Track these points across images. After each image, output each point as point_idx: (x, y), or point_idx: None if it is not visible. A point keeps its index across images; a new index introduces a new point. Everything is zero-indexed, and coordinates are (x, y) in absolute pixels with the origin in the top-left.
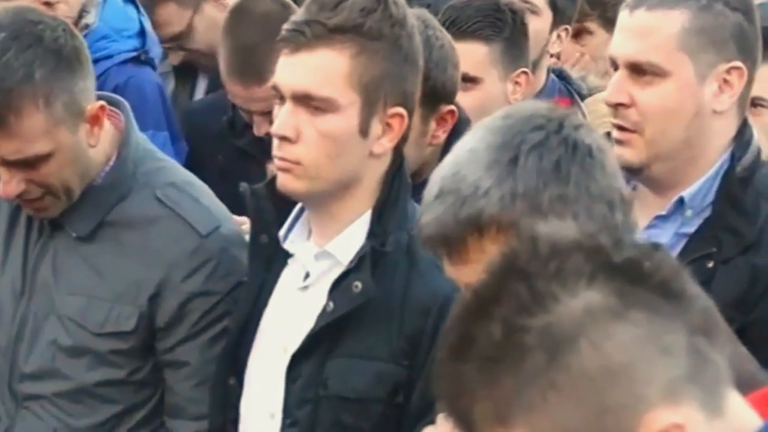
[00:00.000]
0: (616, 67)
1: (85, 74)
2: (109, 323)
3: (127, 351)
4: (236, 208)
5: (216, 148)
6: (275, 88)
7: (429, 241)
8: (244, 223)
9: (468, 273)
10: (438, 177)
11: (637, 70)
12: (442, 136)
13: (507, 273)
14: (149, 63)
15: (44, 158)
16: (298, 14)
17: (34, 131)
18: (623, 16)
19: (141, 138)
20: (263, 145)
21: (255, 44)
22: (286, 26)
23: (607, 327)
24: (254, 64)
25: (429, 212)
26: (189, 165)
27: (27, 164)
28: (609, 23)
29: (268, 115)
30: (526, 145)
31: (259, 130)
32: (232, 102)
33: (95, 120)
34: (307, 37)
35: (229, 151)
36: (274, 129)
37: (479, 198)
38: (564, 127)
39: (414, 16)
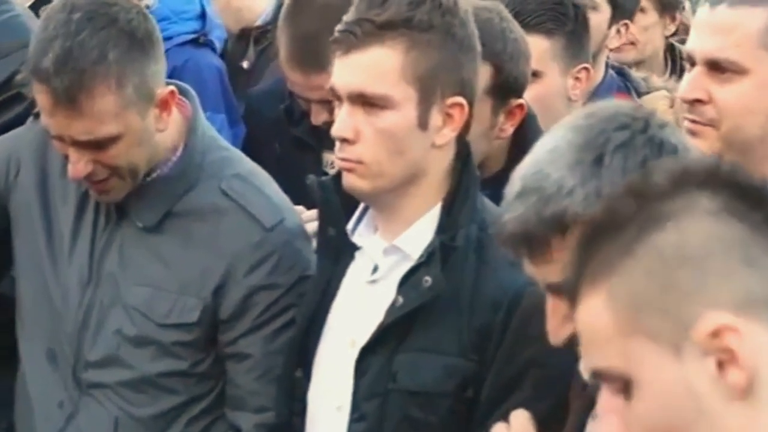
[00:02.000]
0: (692, 63)
1: (157, 58)
2: (173, 314)
3: (190, 342)
4: (292, 197)
5: (273, 136)
6: (332, 90)
7: (510, 240)
8: (301, 213)
9: (550, 272)
10: (519, 176)
11: (716, 67)
12: (510, 129)
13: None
14: (209, 45)
15: (113, 140)
16: (349, 14)
17: (105, 113)
18: (702, 12)
19: (206, 126)
20: (319, 134)
21: (314, 33)
22: (337, 28)
23: (699, 220)
24: (313, 53)
25: (511, 211)
26: (246, 152)
27: (96, 145)
28: (663, 7)
29: (325, 103)
30: (611, 144)
31: (316, 119)
32: (290, 90)
33: (164, 105)
34: (358, 36)
35: (286, 139)
36: (334, 131)
37: (563, 197)
38: (650, 126)
39: (486, 7)
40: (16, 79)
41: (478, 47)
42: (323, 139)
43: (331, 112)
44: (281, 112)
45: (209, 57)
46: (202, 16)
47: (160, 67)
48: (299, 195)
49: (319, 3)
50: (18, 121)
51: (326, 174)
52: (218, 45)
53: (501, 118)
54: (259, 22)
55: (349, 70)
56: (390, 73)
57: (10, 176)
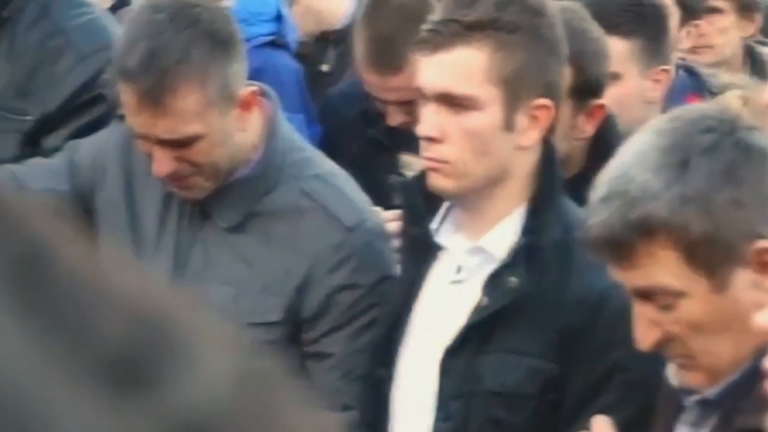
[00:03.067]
0: None
1: (239, 58)
2: (256, 313)
3: (272, 342)
4: (367, 197)
5: (349, 137)
6: (418, 89)
7: (595, 244)
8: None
9: (637, 277)
10: (604, 179)
11: None
12: (590, 130)
13: None
14: (285, 47)
15: (196, 139)
16: (435, 13)
17: (188, 112)
18: None
19: (287, 127)
20: (396, 135)
21: (391, 34)
22: (424, 27)
23: None
24: (390, 54)
25: (596, 215)
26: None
27: (179, 144)
28: (742, 9)
29: (402, 105)
30: (697, 147)
31: (392, 120)
32: (366, 91)
33: (246, 105)
34: (444, 36)
35: (362, 140)
36: (420, 130)
37: (648, 201)
38: (736, 129)
39: (565, 8)
40: (98, 80)
41: (566, 50)
42: (399, 140)
43: (407, 113)
44: (358, 113)
45: (286, 59)
46: (279, 17)
47: (241, 67)
48: (375, 196)
49: (396, 4)
50: (99, 122)
51: (402, 175)
52: (293, 47)
53: (581, 119)
54: (338, 26)
55: (435, 70)
56: (476, 73)
57: (97, 177)
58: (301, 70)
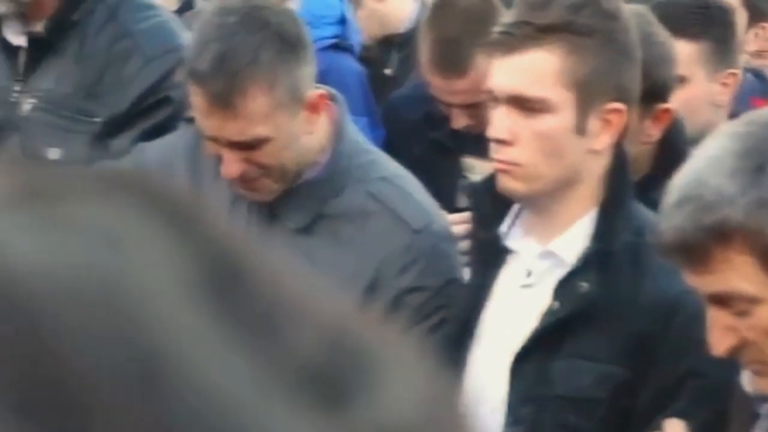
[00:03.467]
0: None
1: (307, 61)
2: None
3: None
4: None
5: (412, 140)
6: (489, 91)
7: (668, 249)
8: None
9: (711, 282)
10: (677, 184)
11: None
12: (656, 134)
13: None
14: (349, 50)
15: (264, 141)
16: (508, 15)
17: (257, 114)
18: None
19: (353, 129)
20: (459, 138)
21: (456, 37)
22: (496, 29)
23: None
24: (455, 57)
25: (669, 219)
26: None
27: (248, 146)
28: None
29: (466, 108)
30: None
31: (456, 123)
32: (430, 94)
33: (314, 108)
34: (518, 38)
35: (425, 142)
36: (491, 132)
37: (723, 205)
38: None
39: (633, 11)
40: (165, 82)
41: (639, 54)
42: (463, 143)
43: (471, 116)
44: (421, 116)
45: (350, 61)
46: (342, 20)
47: (309, 70)
48: (438, 199)
49: (462, 7)
50: (166, 124)
51: (466, 178)
52: (356, 50)
53: (648, 122)
54: (402, 30)
55: (508, 72)
56: (549, 76)
57: None
58: (365, 73)
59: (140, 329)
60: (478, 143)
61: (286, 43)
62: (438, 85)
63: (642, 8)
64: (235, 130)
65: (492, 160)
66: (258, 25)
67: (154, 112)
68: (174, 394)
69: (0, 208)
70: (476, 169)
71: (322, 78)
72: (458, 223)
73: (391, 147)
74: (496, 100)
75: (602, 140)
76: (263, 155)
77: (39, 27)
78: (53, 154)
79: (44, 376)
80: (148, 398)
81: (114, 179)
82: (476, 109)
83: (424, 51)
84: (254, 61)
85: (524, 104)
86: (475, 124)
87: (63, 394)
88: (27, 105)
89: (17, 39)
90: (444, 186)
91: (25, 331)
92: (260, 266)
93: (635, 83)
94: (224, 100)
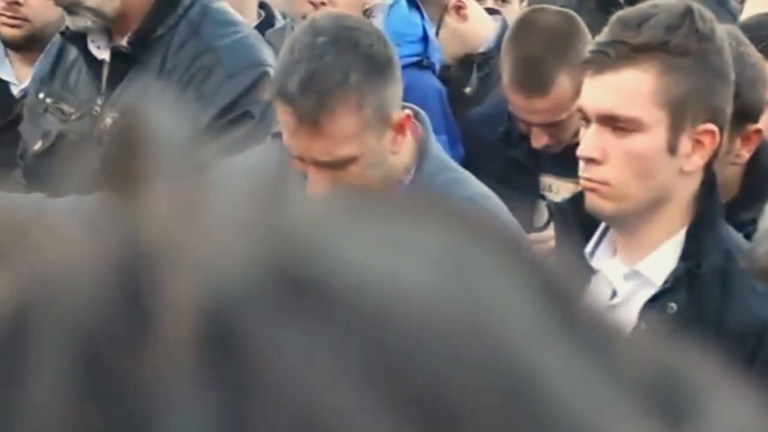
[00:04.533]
0: None
1: (395, 81)
2: None
3: None
4: None
5: (490, 158)
6: (580, 110)
7: (764, 274)
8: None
9: None
10: None
11: None
12: (746, 156)
13: None
14: (430, 68)
15: (351, 161)
16: (602, 35)
17: (345, 134)
18: None
19: (437, 148)
20: (538, 157)
21: (540, 56)
22: (589, 48)
23: None
24: (538, 76)
25: (764, 244)
26: None
27: (334, 166)
28: None
29: (546, 127)
30: None
31: (536, 142)
32: (509, 112)
33: (400, 128)
34: (612, 57)
35: (503, 161)
36: (581, 151)
37: None
38: None
39: (726, 31)
40: (246, 97)
41: (732, 75)
42: (541, 162)
43: (551, 135)
44: (499, 134)
45: (431, 79)
46: (424, 38)
47: (396, 90)
48: (515, 217)
49: (545, 27)
50: (246, 138)
51: (543, 197)
52: (437, 68)
53: (737, 143)
54: (482, 49)
55: (601, 91)
56: (642, 96)
57: None
58: (445, 91)
59: (511, 353)
60: (556, 162)
61: (375, 63)
62: (519, 103)
63: (733, 28)
64: (322, 150)
65: (580, 178)
66: (348, 45)
67: (234, 127)
68: (547, 421)
69: (339, 228)
70: (554, 188)
71: (404, 95)
72: (539, 242)
73: (469, 165)
74: (586, 118)
75: (694, 161)
76: (349, 175)
77: (123, 41)
78: None
79: (438, 394)
80: (523, 424)
81: (422, 202)
82: (556, 128)
83: (506, 70)
84: (343, 81)
85: (616, 123)
86: (554, 143)
87: (443, 410)
88: (109, 119)
89: (101, 53)
90: (522, 205)
91: (408, 354)
92: (575, 288)
93: (728, 104)
94: (312, 120)
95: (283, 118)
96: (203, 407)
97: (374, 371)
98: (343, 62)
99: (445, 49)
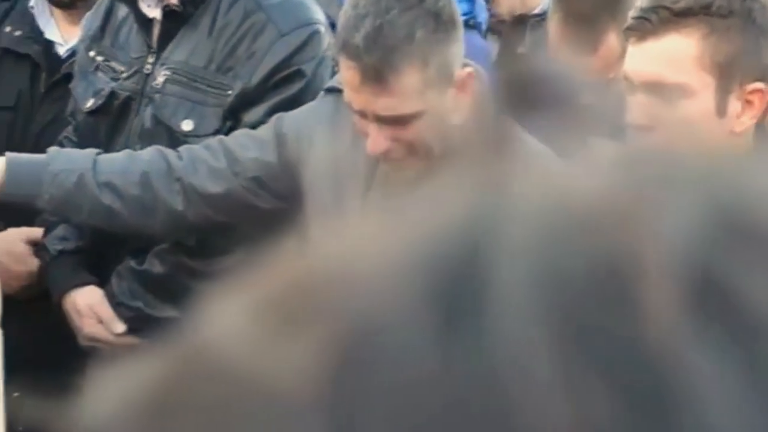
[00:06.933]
0: None
1: (458, 39)
2: None
3: None
4: None
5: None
6: (625, 77)
7: None
8: None
9: None
10: None
11: None
12: None
13: None
14: (477, 28)
15: (413, 117)
16: (643, 1)
17: (409, 90)
18: None
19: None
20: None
21: (588, 14)
22: (631, 14)
23: None
24: (586, 34)
25: None
26: None
27: (396, 122)
28: None
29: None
30: None
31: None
32: None
33: (462, 86)
34: (654, 23)
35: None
36: (629, 119)
37: None
38: None
39: None
40: (297, 56)
41: None
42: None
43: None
44: None
45: (478, 39)
46: None
47: (459, 48)
48: None
49: None
50: (297, 98)
51: None
52: (483, 27)
53: None
54: (538, 10)
55: (645, 58)
56: (687, 60)
57: (302, 150)
58: (492, 50)
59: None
60: (604, 123)
61: (441, 20)
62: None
63: None
64: (384, 105)
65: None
66: (413, 2)
67: (285, 86)
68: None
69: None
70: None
71: None
72: None
73: None
74: (631, 85)
75: (743, 122)
76: (410, 132)
77: (174, 0)
78: (186, 125)
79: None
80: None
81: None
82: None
83: (553, 28)
84: (408, 37)
85: (663, 90)
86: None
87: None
88: (160, 77)
89: (152, 11)
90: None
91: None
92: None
93: None
94: (376, 76)
95: (347, 73)
96: (720, 357)
97: None
98: (408, 18)
99: (504, 4)
